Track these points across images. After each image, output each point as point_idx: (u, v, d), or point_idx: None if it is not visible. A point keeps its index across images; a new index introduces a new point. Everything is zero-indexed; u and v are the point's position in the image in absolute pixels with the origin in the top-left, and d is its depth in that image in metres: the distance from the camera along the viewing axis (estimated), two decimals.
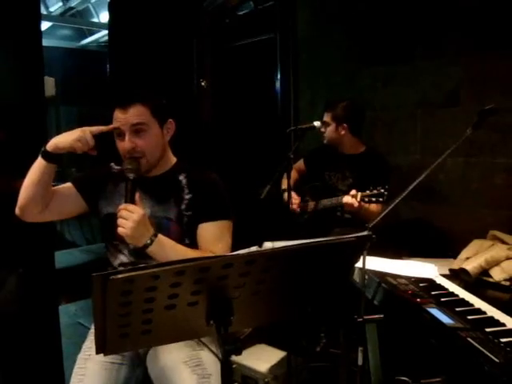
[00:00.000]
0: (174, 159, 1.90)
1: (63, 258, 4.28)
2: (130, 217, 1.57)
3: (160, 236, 1.64)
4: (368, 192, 2.50)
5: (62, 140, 1.67)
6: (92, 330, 1.85)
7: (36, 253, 2.24)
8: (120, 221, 1.58)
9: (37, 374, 2.34)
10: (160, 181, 1.83)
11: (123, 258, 1.82)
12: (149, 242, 1.60)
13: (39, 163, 1.70)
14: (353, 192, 2.55)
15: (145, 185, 1.77)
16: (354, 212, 2.60)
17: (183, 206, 1.77)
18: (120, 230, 1.58)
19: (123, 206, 1.61)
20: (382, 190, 2.44)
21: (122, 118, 1.71)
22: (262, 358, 2.80)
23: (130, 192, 1.65)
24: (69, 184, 1.87)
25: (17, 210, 1.77)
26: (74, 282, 3.57)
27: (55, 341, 2.47)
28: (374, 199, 2.47)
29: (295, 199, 2.97)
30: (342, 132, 2.89)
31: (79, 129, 1.69)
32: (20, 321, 2.32)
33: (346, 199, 2.57)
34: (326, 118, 2.90)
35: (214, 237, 1.76)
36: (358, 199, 2.51)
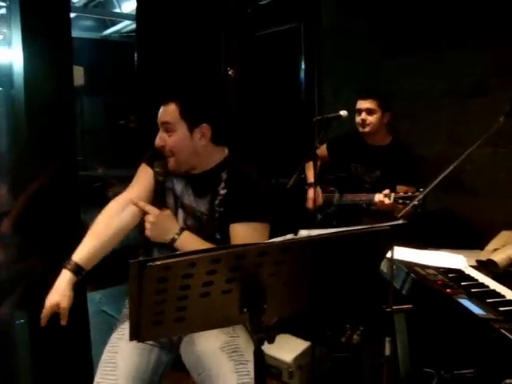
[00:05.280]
0: (222, 156, 1.85)
1: None
2: (148, 219, 1.75)
3: (186, 232, 1.75)
4: (402, 194, 2.45)
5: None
6: (124, 310, 1.90)
7: (65, 240, 2.26)
8: (146, 224, 1.77)
9: (65, 361, 2.37)
10: (203, 177, 1.83)
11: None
12: (176, 237, 1.73)
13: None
14: (386, 191, 2.52)
15: (189, 179, 1.84)
16: (384, 211, 2.56)
17: (216, 202, 1.77)
18: (146, 231, 1.77)
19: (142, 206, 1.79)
20: (418, 193, 2.30)
21: (160, 112, 1.78)
22: (285, 348, 2.81)
23: (158, 194, 1.82)
24: (144, 169, 1.90)
25: None
26: (98, 270, 3.60)
27: (84, 328, 2.50)
28: (408, 202, 2.35)
29: (318, 196, 2.94)
30: (385, 120, 2.85)
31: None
32: None
33: (379, 198, 2.53)
34: (371, 104, 2.82)
35: (247, 236, 1.71)
36: (392, 200, 2.47)
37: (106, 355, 1.69)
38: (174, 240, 1.73)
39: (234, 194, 1.76)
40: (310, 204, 2.95)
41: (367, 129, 2.84)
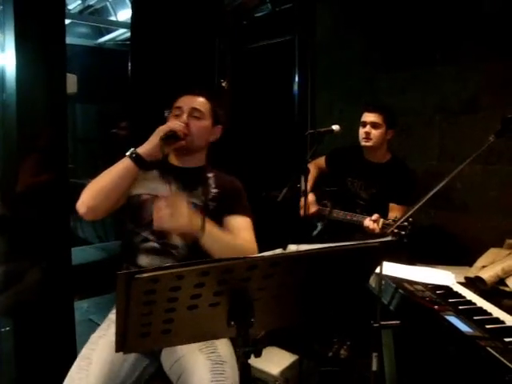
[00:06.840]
0: (205, 160, 2.02)
1: (77, 255, 4.29)
2: (178, 210, 1.62)
3: (207, 224, 1.68)
4: (391, 221, 2.40)
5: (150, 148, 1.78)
6: (110, 315, 1.90)
7: (54, 248, 2.25)
8: (167, 217, 1.62)
9: (50, 369, 2.35)
10: (190, 172, 1.94)
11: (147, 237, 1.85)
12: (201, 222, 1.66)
13: (130, 168, 1.77)
14: (374, 217, 2.48)
15: (176, 173, 1.90)
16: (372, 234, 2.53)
17: (209, 197, 1.87)
18: (173, 225, 1.62)
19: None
20: (406, 224, 2.21)
21: (187, 100, 1.91)
22: (273, 361, 2.79)
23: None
24: None
25: (84, 209, 1.75)
26: (87, 279, 3.58)
27: (70, 336, 2.48)
28: (395, 230, 2.36)
29: (312, 206, 2.95)
30: (388, 137, 2.83)
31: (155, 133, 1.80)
32: (36, 313, 2.33)
33: (368, 224, 2.50)
34: (376, 118, 2.79)
35: (242, 226, 1.85)
36: (380, 226, 2.44)
37: (83, 351, 1.70)
38: (203, 226, 1.65)
39: (224, 194, 1.90)
40: (310, 211, 2.93)
41: (370, 143, 2.81)
